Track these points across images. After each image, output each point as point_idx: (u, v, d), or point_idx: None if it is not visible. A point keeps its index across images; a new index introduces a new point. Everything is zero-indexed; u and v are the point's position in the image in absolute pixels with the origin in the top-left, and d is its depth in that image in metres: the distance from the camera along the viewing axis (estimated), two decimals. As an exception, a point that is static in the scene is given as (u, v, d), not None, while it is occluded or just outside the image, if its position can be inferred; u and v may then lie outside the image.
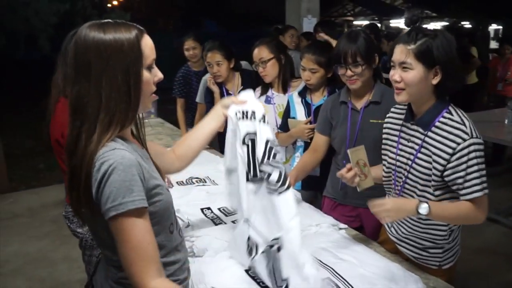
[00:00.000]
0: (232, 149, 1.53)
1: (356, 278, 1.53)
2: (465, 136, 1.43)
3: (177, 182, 2.50)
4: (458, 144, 1.43)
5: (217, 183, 2.48)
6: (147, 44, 1.10)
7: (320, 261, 1.64)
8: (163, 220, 1.16)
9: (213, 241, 1.73)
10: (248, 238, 1.51)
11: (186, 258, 1.31)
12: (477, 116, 4.97)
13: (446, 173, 1.47)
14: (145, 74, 1.09)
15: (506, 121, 4.30)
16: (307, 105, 2.38)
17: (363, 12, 19.71)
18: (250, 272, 1.54)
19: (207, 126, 1.56)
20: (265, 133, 1.46)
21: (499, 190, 4.87)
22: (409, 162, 1.58)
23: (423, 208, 1.43)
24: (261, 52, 2.55)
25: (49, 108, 1.89)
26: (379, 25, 16.86)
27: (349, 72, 1.92)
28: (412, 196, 1.59)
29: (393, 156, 1.65)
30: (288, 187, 1.43)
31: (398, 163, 1.62)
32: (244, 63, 3.25)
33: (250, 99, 1.53)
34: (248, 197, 1.49)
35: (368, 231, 2.06)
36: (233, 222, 1.96)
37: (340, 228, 1.95)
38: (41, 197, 4.74)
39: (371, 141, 1.90)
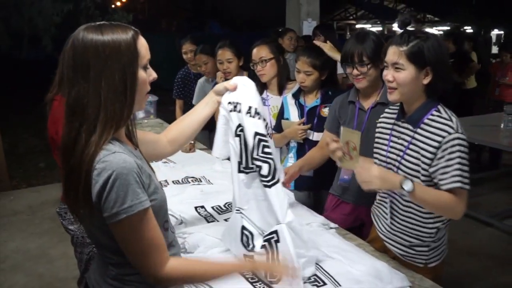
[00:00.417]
0: (224, 138, 1.55)
1: (343, 276, 1.57)
2: (451, 131, 1.48)
3: (173, 181, 2.54)
4: (444, 137, 1.49)
5: (212, 183, 2.52)
6: (143, 44, 1.14)
7: (309, 258, 1.68)
8: (159, 218, 1.19)
9: (205, 238, 1.77)
10: (243, 228, 1.55)
11: (179, 253, 1.35)
12: (474, 120, 5.01)
13: (431, 166, 1.52)
14: (141, 73, 1.12)
15: (502, 126, 4.33)
16: (300, 107, 2.42)
17: (365, 15, 19.77)
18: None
19: (200, 112, 1.59)
20: (253, 126, 1.47)
21: (494, 193, 4.92)
22: (398, 158, 1.63)
23: (407, 185, 1.46)
24: (262, 51, 2.58)
25: (47, 106, 1.94)
26: (380, 28, 16.91)
27: (355, 71, 1.97)
28: (400, 193, 1.63)
29: (384, 153, 1.70)
30: (277, 181, 1.47)
31: (388, 160, 1.68)
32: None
33: (241, 86, 1.53)
34: (239, 188, 1.53)
35: (368, 230, 2.09)
36: (226, 220, 2.00)
37: (331, 228, 1.99)
38: (41, 195, 4.80)
39: None
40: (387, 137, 1.71)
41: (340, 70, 3.13)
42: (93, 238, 1.24)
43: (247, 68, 3.11)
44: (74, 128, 1.06)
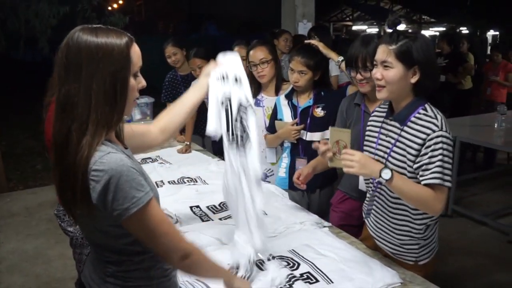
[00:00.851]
0: (217, 114, 1.56)
1: (335, 273, 1.60)
2: (435, 128, 1.51)
3: (168, 182, 2.57)
4: (428, 135, 1.51)
5: (207, 183, 2.55)
6: (136, 51, 1.15)
7: (302, 256, 1.71)
8: None
9: (200, 236, 1.79)
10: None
11: None
12: (468, 120, 5.06)
13: (415, 162, 1.55)
14: (131, 80, 1.14)
15: (496, 125, 4.37)
16: (293, 107, 2.45)
17: (361, 17, 19.83)
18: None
19: (190, 98, 1.60)
20: (238, 94, 1.52)
21: (489, 193, 4.96)
22: (386, 155, 1.66)
23: (386, 173, 1.48)
24: (261, 53, 2.59)
25: (44, 108, 1.95)
26: (377, 30, 16.96)
27: (359, 76, 1.99)
28: (389, 190, 1.65)
29: (373, 150, 1.73)
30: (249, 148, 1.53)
31: (376, 157, 1.70)
32: None
33: (226, 60, 1.57)
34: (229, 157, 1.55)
35: None
36: (221, 219, 2.03)
37: (324, 226, 2.02)
38: (38, 196, 4.81)
39: None
40: (376, 134, 1.74)
41: (333, 71, 3.17)
42: (90, 238, 1.26)
43: None
44: (65, 125, 1.07)
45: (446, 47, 6.28)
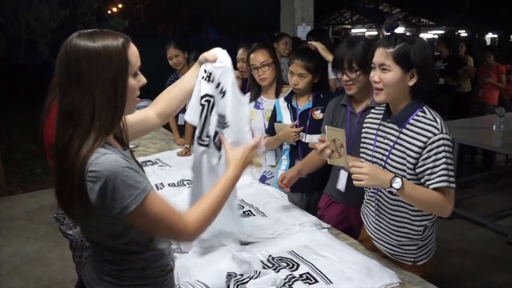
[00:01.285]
0: (197, 104, 1.59)
1: (335, 274, 1.61)
2: (436, 131, 1.53)
3: (168, 184, 2.58)
4: (429, 138, 1.53)
5: (207, 185, 2.55)
6: (133, 52, 1.15)
7: (302, 257, 1.72)
8: None
9: (200, 236, 1.80)
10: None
11: (171, 248, 1.39)
12: (467, 122, 5.08)
13: (417, 166, 1.56)
14: (131, 81, 1.15)
15: (494, 127, 4.40)
16: (293, 110, 2.46)
17: (360, 20, 19.88)
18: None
19: (186, 83, 1.62)
20: (221, 105, 1.56)
21: (488, 194, 4.97)
22: (384, 158, 1.67)
23: (397, 183, 1.48)
24: (262, 56, 2.61)
25: (44, 111, 1.95)
26: (376, 33, 17.00)
27: (344, 77, 2.00)
28: (388, 191, 1.67)
29: (370, 152, 1.74)
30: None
31: (374, 159, 1.72)
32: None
33: (219, 62, 1.57)
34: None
35: (356, 232, 2.12)
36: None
37: (323, 228, 2.03)
38: (38, 200, 4.82)
39: None
40: (373, 137, 1.76)
41: (331, 74, 3.19)
42: (89, 237, 1.28)
43: None
44: (68, 133, 1.08)
45: (444, 50, 6.30)
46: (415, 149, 1.56)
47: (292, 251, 1.77)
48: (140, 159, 2.99)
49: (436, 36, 16.43)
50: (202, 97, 1.56)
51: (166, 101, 1.60)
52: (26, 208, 4.60)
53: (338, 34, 19.94)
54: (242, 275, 1.55)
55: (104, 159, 1.06)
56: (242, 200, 2.26)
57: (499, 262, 3.53)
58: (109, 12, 9.43)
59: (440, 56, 6.32)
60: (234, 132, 1.59)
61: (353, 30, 19.71)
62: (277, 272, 1.60)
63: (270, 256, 1.72)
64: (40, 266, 3.45)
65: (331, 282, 1.56)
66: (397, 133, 1.64)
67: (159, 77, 4.33)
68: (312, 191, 2.43)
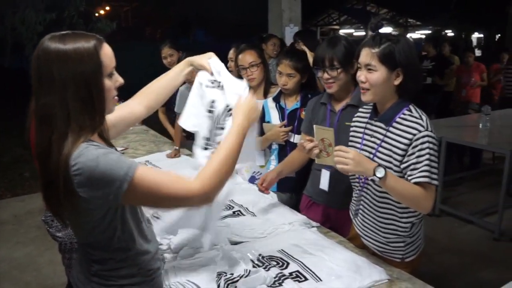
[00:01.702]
0: (192, 111, 1.60)
1: (324, 271, 1.62)
2: (421, 128, 1.55)
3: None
4: (414, 135, 1.55)
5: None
6: (106, 53, 1.14)
7: (291, 256, 1.73)
8: (134, 210, 1.25)
9: (190, 237, 1.80)
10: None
11: (158, 248, 1.39)
12: (453, 121, 5.15)
13: (402, 162, 1.58)
14: (106, 82, 1.14)
15: (480, 126, 4.46)
16: (281, 110, 2.48)
17: (348, 21, 20.00)
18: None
19: (174, 82, 1.62)
20: (223, 98, 1.55)
21: (475, 192, 5.04)
22: (371, 156, 1.69)
23: (379, 172, 1.49)
24: (250, 56, 2.62)
25: (29, 115, 1.93)
26: (363, 33, 17.13)
27: (325, 75, 2.03)
28: (375, 189, 1.70)
29: (358, 151, 1.76)
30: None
31: None
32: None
33: (216, 74, 1.58)
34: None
35: (339, 233, 2.14)
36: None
37: (312, 226, 2.04)
38: (26, 204, 4.78)
39: (346, 143, 1.99)
40: (361, 135, 1.78)
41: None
42: (78, 236, 1.28)
43: None
44: (45, 137, 1.07)
45: (431, 50, 6.38)
46: (401, 146, 1.58)
47: (282, 250, 1.78)
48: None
49: (423, 36, 16.63)
50: (211, 103, 1.56)
51: (154, 95, 1.60)
52: (14, 213, 4.56)
53: (326, 34, 20.05)
54: (232, 274, 1.56)
55: (86, 151, 1.06)
56: (232, 200, 2.27)
57: (487, 258, 3.58)
58: (96, 14, 9.40)
59: (427, 55, 6.39)
60: None
61: (341, 31, 19.82)
62: (267, 270, 1.61)
63: (260, 255, 1.73)
64: (30, 270, 3.42)
65: (321, 280, 1.58)
66: (384, 131, 1.66)
67: (147, 79, 4.32)
68: (300, 190, 2.44)
